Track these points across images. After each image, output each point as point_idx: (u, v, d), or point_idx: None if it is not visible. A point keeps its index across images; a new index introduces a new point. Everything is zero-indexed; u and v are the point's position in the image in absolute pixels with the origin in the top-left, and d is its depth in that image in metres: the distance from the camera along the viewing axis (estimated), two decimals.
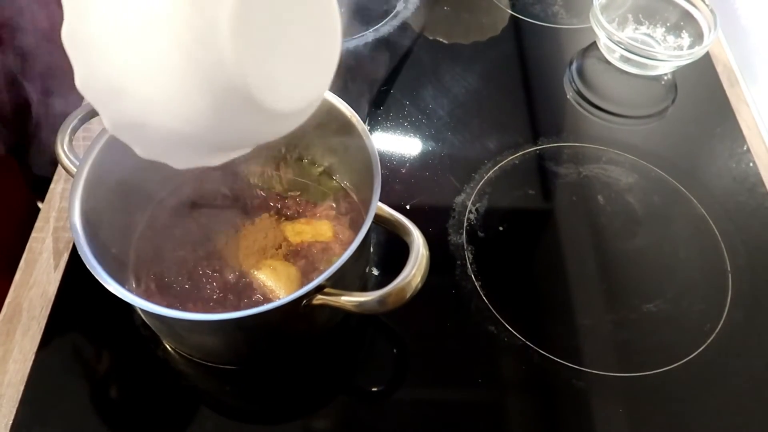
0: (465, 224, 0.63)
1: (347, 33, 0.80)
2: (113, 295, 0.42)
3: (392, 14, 0.84)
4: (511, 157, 0.69)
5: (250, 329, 0.48)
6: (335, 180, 0.60)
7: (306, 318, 0.48)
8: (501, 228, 0.63)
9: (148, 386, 0.53)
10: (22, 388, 0.51)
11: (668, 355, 0.55)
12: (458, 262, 0.60)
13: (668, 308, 0.58)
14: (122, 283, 0.44)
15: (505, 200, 0.66)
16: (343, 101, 0.53)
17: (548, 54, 0.82)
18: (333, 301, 0.44)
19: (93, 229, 0.47)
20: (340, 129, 0.53)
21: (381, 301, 0.43)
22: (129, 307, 0.54)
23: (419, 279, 0.44)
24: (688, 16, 0.77)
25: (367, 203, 0.48)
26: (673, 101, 0.76)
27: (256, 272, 0.53)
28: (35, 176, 0.74)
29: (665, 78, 0.78)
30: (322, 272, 0.44)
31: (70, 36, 0.33)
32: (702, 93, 0.77)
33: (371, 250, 0.59)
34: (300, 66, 0.35)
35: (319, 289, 0.44)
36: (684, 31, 0.77)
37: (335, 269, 0.44)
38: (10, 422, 0.50)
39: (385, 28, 0.82)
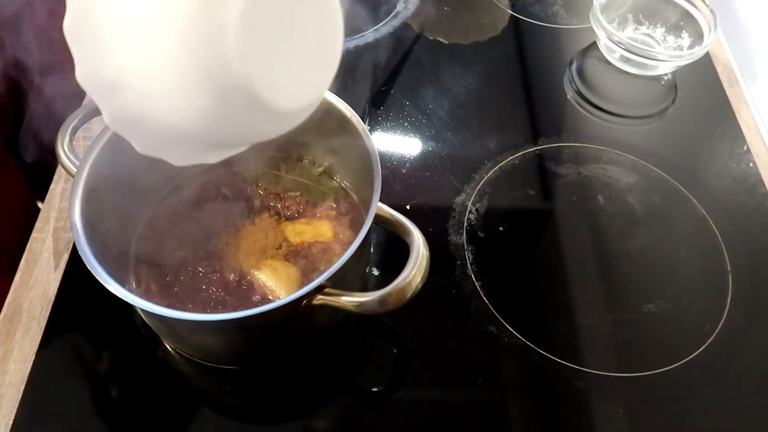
0: (465, 224, 0.63)
1: (347, 33, 0.80)
2: (113, 295, 0.42)
3: (392, 14, 0.84)
4: (511, 158, 0.69)
5: (250, 329, 0.48)
6: (335, 180, 0.60)
7: (306, 318, 0.48)
8: (501, 228, 0.63)
9: (149, 386, 0.53)
10: (22, 388, 0.51)
11: (668, 355, 0.55)
12: (458, 263, 0.60)
13: (668, 308, 0.58)
14: (122, 283, 0.44)
15: (506, 200, 0.66)
16: (343, 101, 0.53)
17: (548, 54, 0.82)
18: (333, 301, 0.44)
19: (93, 229, 0.47)
20: (340, 129, 0.53)
21: (381, 301, 0.43)
22: (129, 308, 0.54)
23: (419, 279, 0.44)
24: (688, 17, 0.77)
25: (367, 203, 0.48)
26: (673, 101, 0.76)
27: (256, 272, 0.53)
28: (35, 175, 0.74)
29: (665, 78, 0.78)
30: (322, 272, 0.44)
31: (72, 28, 0.32)
32: (702, 93, 0.77)
33: (371, 250, 0.59)
34: (302, 66, 0.35)
35: (319, 289, 0.44)
36: (684, 31, 0.77)
37: (335, 269, 0.44)
38: (11, 422, 0.50)
39: (385, 28, 0.82)
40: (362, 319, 0.56)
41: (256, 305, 0.51)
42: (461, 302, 0.58)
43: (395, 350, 0.57)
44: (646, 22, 0.80)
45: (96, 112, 0.53)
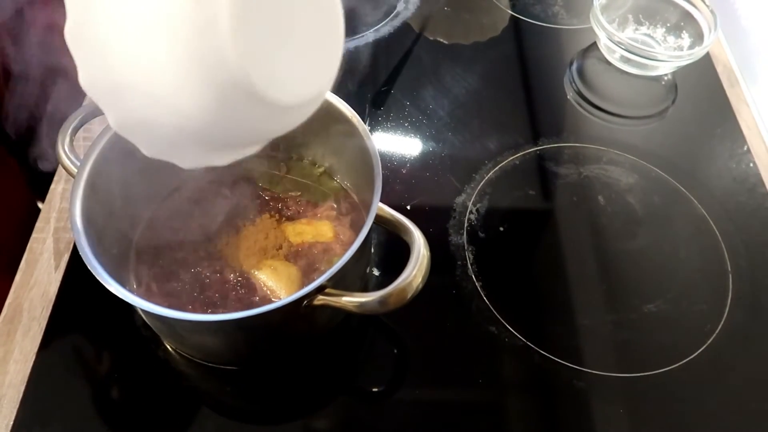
0: (465, 224, 0.63)
1: (347, 33, 0.80)
2: (114, 295, 0.42)
3: (392, 14, 0.84)
4: (511, 158, 0.69)
5: (250, 330, 0.48)
6: (336, 180, 0.60)
7: (307, 318, 0.48)
8: (501, 228, 0.63)
9: (149, 387, 0.53)
10: (22, 388, 0.51)
11: (669, 356, 0.55)
12: (459, 263, 0.60)
13: (669, 308, 0.58)
14: (123, 283, 0.44)
15: (506, 200, 0.66)
16: (344, 101, 0.53)
17: (548, 54, 0.82)
18: (334, 301, 0.44)
19: (94, 230, 0.47)
20: (340, 129, 0.53)
21: (382, 301, 0.43)
22: (130, 308, 0.54)
23: (420, 279, 0.44)
24: (688, 17, 0.77)
25: (367, 204, 0.48)
26: (673, 102, 0.76)
27: (256, 273, 0.53)
28: (35, 175, 0.74)
29: (665, 78, 0.78)
30: (322, 273, 0.44)
31: (73, 34, 0.32)
32: (702, 93, 0.77)
33: (372, 250, 0.59)
34: (303, 60, 0.35)
35: (320, 289, 0.44)
36: (684, 31, 0.77)
37: (336, 270, 0.44)
38: (11, 423, 0.50)
39: (385, 28, 0.82)
40: (363, 320, 0.56)
41: (256, 305, 0.51)
42: (462, 302, 0.58)
43: (396, 350, 0.57)
44: (647, 23, 0.80)
45: (96, 112, 0.53)
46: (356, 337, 0.56)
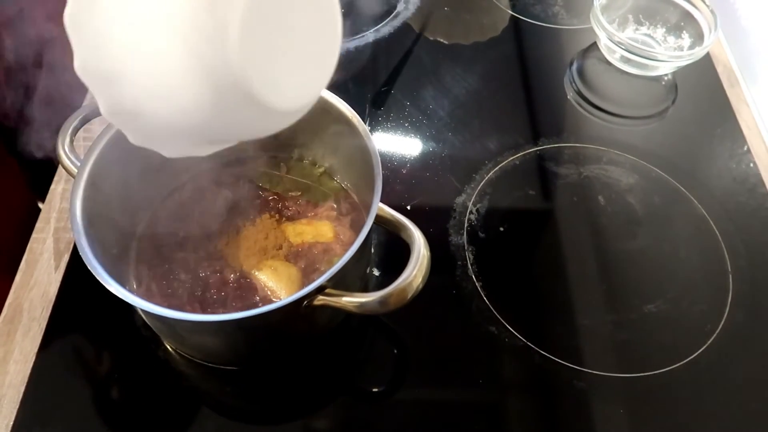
0: (466, 225, 0.63)
1: (348, 33, 0.80)
2: (114, 295, 0.42)
3: (392, 14, 0.84)
4: (511, 158, 0.69)
5: (251, 330, 0.48)
6: (336, 180, 0.60)
7: (307, 318, 0.48)
8: (502, 228, 0.63)
9: (149, 387, 0.53)
10: (22, 389, 0.51)
11: (669, 356, 0.55)
12: (459, 263, 0.60)
13: (669, 309, 0.58)
14: (123, 283, 0.44)
15: (506, 201, 0.66)
16: (344, 101, 0.53)
17: (548, 54, 0.82)
18: (334, 301, 0.44)
19: (94, 230, 0.47)
20: (340, 129, 0.53)
21: (382, 301, 0.43)
22: (130, 308, 0.54)
23: (420, 279, 0.44)
24: (688, 17, 0.77)
25: (367, 204, 0.48)
26: (673, 102, 0.76)
27: (257, 273, 0.53)
28: (35, 175, 0.74)
29: (665, 78, 0.78)
30: (323, 273, 0.44)
31: (72, 18, 0.32)
32: (702, 93, 0.77)
33: (372, 250, 0.59)
34: (300, 65, 0.35)
35: (320, 289, 0.44)
36: (684, 31, 0.77)
37: (336, 270, 0.44)
38: (11, 423, 0.50)
39: (385, 28, 0.82)
40: (363, 320, 0.56)
41: (256, 306, 0.51)
42: (462, 302, 0.58)
43: (396, 350, 0.57)
44: (647, 23, 0.80)
45: (97, 112, 0.53)
46: (356, 337, 0.56)
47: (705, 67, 0.78)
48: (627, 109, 0.76)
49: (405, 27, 0.83)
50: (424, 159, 0.69)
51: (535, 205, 0.66)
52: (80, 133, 0.52)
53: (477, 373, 0.54)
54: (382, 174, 0.49)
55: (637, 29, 0.80)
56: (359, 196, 0.58)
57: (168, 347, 0.54)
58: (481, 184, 0.66)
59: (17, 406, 0.50)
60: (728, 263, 0.61)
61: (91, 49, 0.33)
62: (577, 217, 0.65)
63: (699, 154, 0.71)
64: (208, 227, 0.56)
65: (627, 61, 0.75)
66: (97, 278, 0.43)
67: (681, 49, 0.77)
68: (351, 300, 0.44)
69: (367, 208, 0.48)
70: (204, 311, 0.52)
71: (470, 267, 0.60)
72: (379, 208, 0.48)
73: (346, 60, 0.77)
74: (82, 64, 0.34)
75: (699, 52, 0.71)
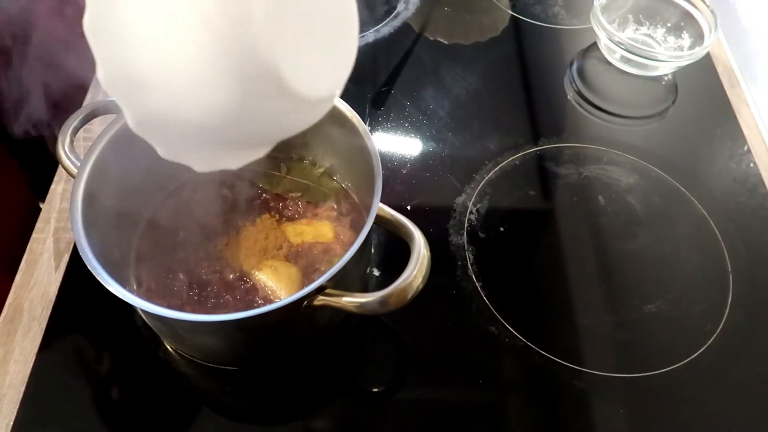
0: (466, 225, 0.63)
1: None
2: (114, 296, 0.42)
3: (393, 14, 0.84)
4: (511, 158, 0.69)
5: (251, 330, 0.48)
6: (336, 181, 0.60)
7: (307, 319, 0.48)
8: (502, 228, 0.63)
9: (149, 387, 0.53)
10: (22, 389, 0.51)
11: (669, 356, 0.55)
12: (459, 263, 0.60)
13: (669, 309, 0.58)
14: (123, 283, 0.44)
15: (506, 201, 0.66)
16: (344, 101, 0.53)
17: (549, 54, 0.82)
18: (334, 301, 0.44)
19: (94, 230, 0.47)
20: (341, 130, 0.53)
21: (382, 301, 0.43)
22: (130, 308, 0.54)
23: (420, 280, 0.44)
24: (688, 17, 0.77)
25: (368, 204, 0.48)
26: (673, 102, 0.76)
27: (257, 273, 0.53)
28: (36, 175, 0.74)
29: (666, 78, 0.78)
30: (323, 273, 0.45)
31: (92, 27, 0.32)
32: (702, 93, 0.77)
33: (372, 250, 0.59)
34: (322, 54, 0.35)
35: (320, 289, 0.44)
36: (684, 31, 0.77)
37: (336, 270, 0.44)
38: (11, 423, 0.50)
39: (385, 28, 0.82)
40: (363, 320, 0.56)
41: (256, 306, 0.51)
42: (462, 303, 0.58)
43: (396, 350, 0.57)
44: (647, 23, 0.80)
45: (96, 112, 0.53)
46: (356, 337, 0.56)
47: (705, 67, 0.78)
48: (627, 109, 0.76)
49: (405, 27, 0.83)
50: (424, 159, 0.69)
51: (535, 205, 0.66)
52: (80, 133, 0.52)
53: (477, 373, 0.54)
54: (382, 174, 0.49)
55: (637, 29, 0.80)
56: (359, 196, 0.58)
57: (168, 347, 0.54)
58: (481, 184, 0.66)
59: (17, 406, 0.50)
60: (728, 263, 0.61)
61: (114, 60, 0.32)
62: (577, 217, 0.65)
63: (699, 154, 0.71)
64: (208, 227, 0.56)
65: (627, 61, 0.75)
66: (97, 278, 0.43)
67: (681, 49, 0.77)
68: (351, 300, 0.44)
69: (367, 208, 0.48)
70: (204, 311, 0.52)
71: (470, 267, 0.60)
72: (380, 208, 0.48)
73: None
74: (106, 76, 0.33)
75: (699, 52, 0.71)
